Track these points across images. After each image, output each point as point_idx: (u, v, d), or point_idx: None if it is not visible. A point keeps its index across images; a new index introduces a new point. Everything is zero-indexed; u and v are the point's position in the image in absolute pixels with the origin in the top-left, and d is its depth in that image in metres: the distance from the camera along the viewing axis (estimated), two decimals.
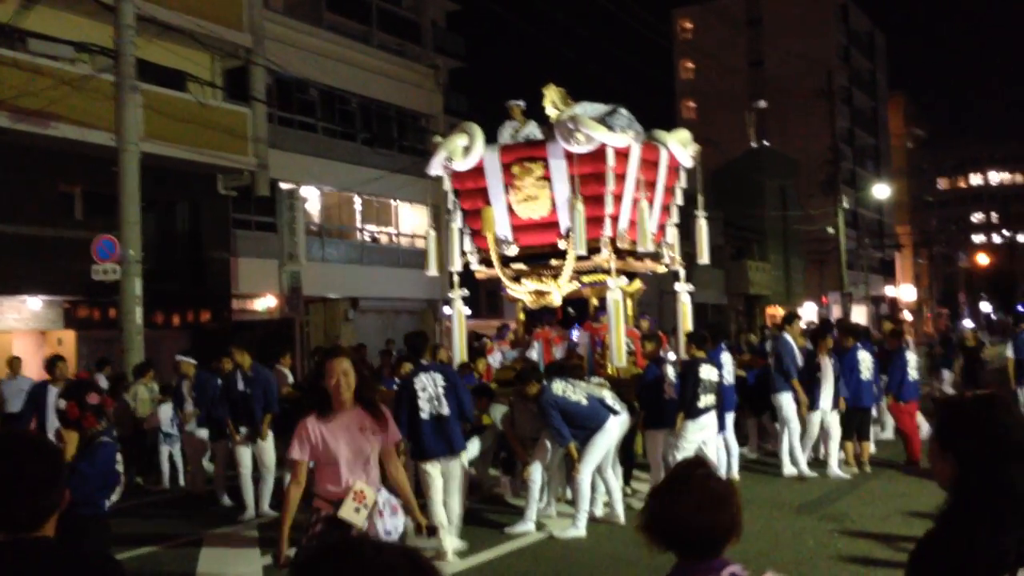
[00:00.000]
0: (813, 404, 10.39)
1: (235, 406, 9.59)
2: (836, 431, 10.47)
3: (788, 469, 10.46)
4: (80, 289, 15.82)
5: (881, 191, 51.77)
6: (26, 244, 16.01)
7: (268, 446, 9.63)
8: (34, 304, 16.83)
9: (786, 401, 10.51)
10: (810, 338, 11.25)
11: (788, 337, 10.79)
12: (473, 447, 9.48)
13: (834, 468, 10.39)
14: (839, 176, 39.97)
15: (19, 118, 15.20)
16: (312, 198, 23.90)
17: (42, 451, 2.14)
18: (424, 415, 7.40)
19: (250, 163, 19.92)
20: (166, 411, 11.88)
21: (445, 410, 7.47)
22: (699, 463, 2.23)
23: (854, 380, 10.80)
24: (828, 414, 10.41)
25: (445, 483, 7.51)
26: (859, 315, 45.53)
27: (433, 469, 7.43)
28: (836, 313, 41.65)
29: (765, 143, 55.24)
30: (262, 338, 17.43)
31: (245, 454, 9.60)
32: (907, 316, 48.42)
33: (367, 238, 26.14)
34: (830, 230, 40.17)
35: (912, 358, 11.43)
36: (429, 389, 7.50)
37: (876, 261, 63.17)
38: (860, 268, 52.37)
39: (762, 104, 60.92)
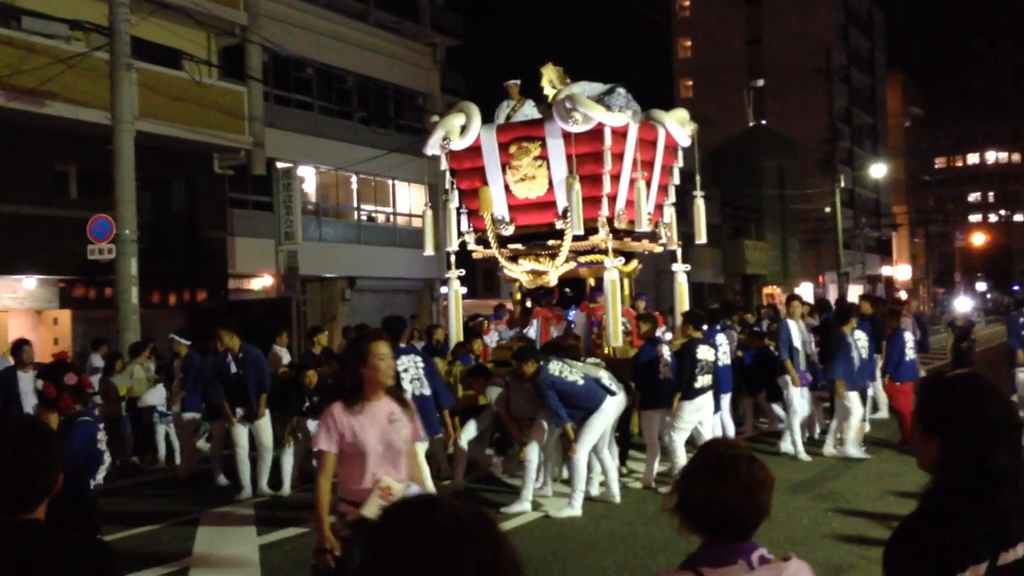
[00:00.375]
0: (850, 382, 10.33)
1: (230, 388, 9.58)
2: (858, 410, 10.44)
3: (786, 446, 10.55)
4: (76, 269, 15.79)
5: (878, 170, 51.78)
6: (21, 223, 15.96)
7: (265, 425, 9.64)
8: (30, 284, 16.79)
9: (789, 384, 10.49)
10: (835, 317, 11.46)
11: (789, 321, 10.69)
12: (470, 428, 9.52)
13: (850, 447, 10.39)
14: (836, 155, 39.94)
15: (13, 96, 15.12)
16: (309, 177, 23.83)
17: (40, 435, 2.16)
18: (407, 395, 7.45)
19: (246, 142, 19.84)
20: (162, 391, 11.91)
21: (427, 390, 7.73)
22: (731, 444, 2.23)
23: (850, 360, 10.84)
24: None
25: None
26: (856, 294, 45.58)
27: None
28: (832, 292, 41.74)
29: (763, 122, 55.12)
30: (259, 318, 17.45)
31: (242, 434, 9.62)
32: (903, 295, 48.43)
33: (364, 217, 26.10)
34: (827, 209, 40.18)
35: (909, 337, 11.44)
36: (411, 370, 7.68)
37: (873, 240, 63.19)
38: (857, 247, 52.41)
39: (760, 83, 60.77)
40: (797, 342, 10.48)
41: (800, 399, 10.44)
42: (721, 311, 13.61)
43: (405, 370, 7.64)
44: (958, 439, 2.05)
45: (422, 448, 7.66)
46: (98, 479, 4.66)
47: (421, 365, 7.77)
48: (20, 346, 9.98)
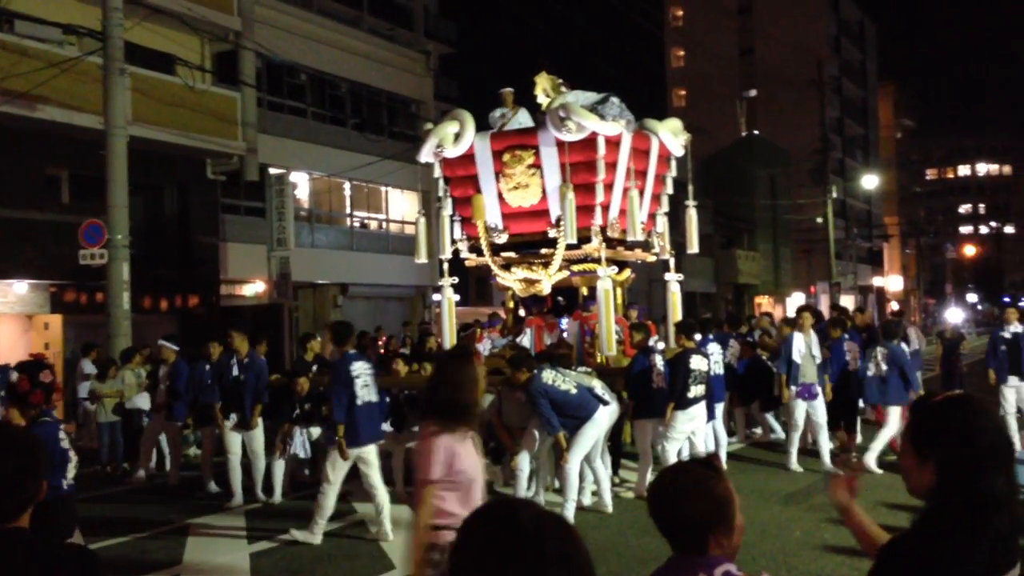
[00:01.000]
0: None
1: (226, 392, 9.55)
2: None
3: (794, 466, 10.37)
4: (67, 273, 15.73)
5: (870, 181, 51.96)
6: (13, 227, 15.89)
7: (258, 433, 9.62)
8: (20, 288, 16.71)
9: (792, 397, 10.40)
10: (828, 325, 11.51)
11: (795, 335, 10.48)
12: None
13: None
14: (828, 166, 40.08)
15: (6, 100, 15.06)
16: (301, 183, 23.80)
17: (20, 442, 2.13)
18: (359, 401, 7.68)
19: (239, 148, 19.80)
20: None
21: (375, 397, 7.86)
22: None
23: (841, 370, 10.87)
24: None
25: (370, 470, 7.79)
26: (847, 305, 45.67)
27: (368, 455, 7.75)
28: (824, 303, 41.81)
29: (755, 132, 55.29)
30: (251, 324, 17.39)
31: (235, 441, 9.58)
32: (894, 306, 48.58)
33: (357, 224, 26.07)
34: (819, 220, 40.29)
35: (904, 350, 11.47)
36: (363, 376, 7.79)
37: (864, 251, 63.37)
38: (848, 258, 52.58)
39: (752, 93, 60.99)
40: (797, 356, 10.29)
41: (800, 412, 10.33)
42: (728, 321, 13.72)
43: (358, 376, 7.74)
44: (951, 462, 2.03)
45: (372, 452, 7.86)
46: (69, 479, 4.64)
47: (370, 372, 7.92)
48: None
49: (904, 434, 2.21)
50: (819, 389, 10.36)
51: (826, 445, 10.40)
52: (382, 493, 7.82)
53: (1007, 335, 11.64)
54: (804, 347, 10.34)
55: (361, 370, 7.82)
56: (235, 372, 9.54)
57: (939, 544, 1.97)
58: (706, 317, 11.62)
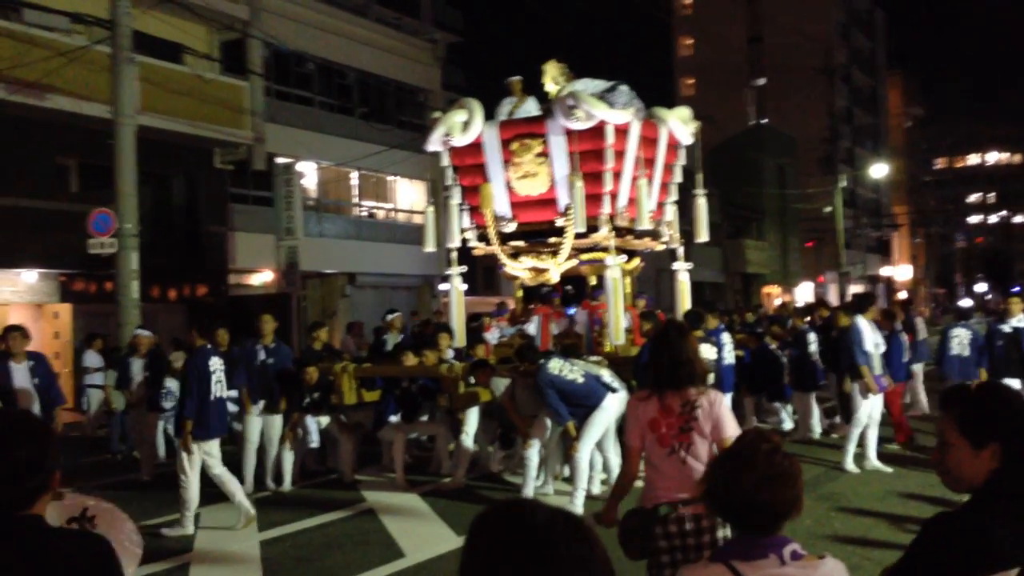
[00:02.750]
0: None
1: (251, 378, 9.55)
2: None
3: (850, 465, 9.66)
4: (76, 262, 15.76)
5: (879, 170, 51.72)
6: (22, 217, 15.92)
7: (278, 421, 9.64)
8: (30, 277, 16.75)
9: (856, 392, 9.66)
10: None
11: (860, 320, 9.67)
12: (472, 420, 9.49)
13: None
14: (837, 155, 39.95)
15: (14, 89, 15.07)
16: (309, 173, 23.79)
17: (30, 431, 2.12)
18: (212, 396, 7.93)
19: (247, 137, 19.80)
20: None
21: (225, 393, 8.16)
22: (763, 437, 2.19)
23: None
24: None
25: (214, 462, 7.99)
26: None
27: (213, 448, 7.97)
28: (833, 292, 41.74)
29: (764, 121, 55.09)
30: (258, 313, 17.40)
31: (255, 428, 9.59)
32: (903, 295, 48.43)
33: (364, 213, 26.06)
34: (827, 209, 40.17)
35: (904, 340, 11.44)
36: (218, 371, 8.06)
37: (873, 240, 63.19)
38: (857, 247, 52.43)
39: (761, 82, 60.74)
40: (869, 344, 9.53)
41: (866, 407, 9.50)
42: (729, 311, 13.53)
43: (214, 371, 8.01)
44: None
45: (215, 445, 8.06)
46: None
47: (222, 367, 8.20)
48: (7, 333, 8.60)
49: (947, 431, 2.16)
50: (885, 381, 9.72)
51: (874, 441, 9.79)
52: (228, 480, 8.04)
53: (1007, 328, 10.33)
54: (872, 335, 9.55)
55: (216, 366, 8.08)
56: (262, 357, 9.56)
57: (999, 519, 1.95)
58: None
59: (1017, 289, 50.47)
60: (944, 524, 2.06)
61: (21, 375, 8.43)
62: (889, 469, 9.49)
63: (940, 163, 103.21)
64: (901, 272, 68.76)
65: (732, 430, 3.83)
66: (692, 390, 3.88)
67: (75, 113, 15.80)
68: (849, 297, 33.04)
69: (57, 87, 15.43)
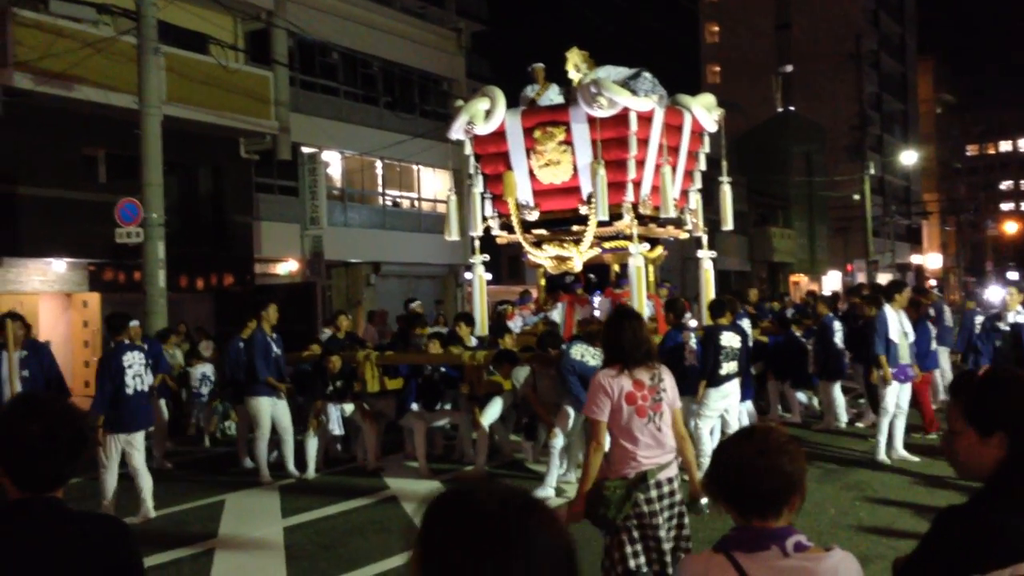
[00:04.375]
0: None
1: (270, 367, 9.59)
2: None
3: (882, 456, 9.43)
4: (105, 252, 15.92)
5: (908, 157, 51.18)
6: (51, 207, 16.09)
7: (285, 408, 9.68)
8: (59, 267, 16.95)
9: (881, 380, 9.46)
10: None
11: (887, 309, 9.42)
12: (493, 409, 9.50)
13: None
14: (866, 142, 39.52)
15: (42, 80, 15.22)
16: (334, 162, 23.87)
17: (71, 416, 2.18)
18: (129, 391, 8.02)
19: (272, 127, 19.89)
20: (195, 373, 12.16)
21: (145, 386, 8.25)
22: (763, 423, 2.22)
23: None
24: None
25: (136, 454, 8.08)
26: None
27: (135, 440, 8.08)
28: (861, 281, 41.36)
29: (791, 108, 54.59)
30: (284, 302, 17.51)
31: (286, 414, 9.65)
32: (932, 284, 47.91)
33: (389, 202, 26.12)
34: (856, 197, 39.79)
35: (931, 328, 11.30)
36: (135, 366, 8.14)
37: (903, 228, 62.53)
38: (886, 235, 51.89)
39: (788, 69, 60.16)
40: (895, 334, 9.29)
41: (892, 396, 9.35)
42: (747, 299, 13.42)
43: (129, 366, 8.13)
44: None
45: (140, 437, 8.19)
46: None
47: (142, 361, 8.30)
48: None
49: (955, 418, 2.13)
50: (913, 371, 9.47)
51: (901, 431, 9.58)
52: (144, 476, 8.09)
53: (1004, 326, 9.86)
54: (899, 325, 9.33)
55: (133, 360, 8.19)
56: (276, 350, 9.58)
57: (1013, 511, 1.92)
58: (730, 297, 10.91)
59: (1015, 277, 49.15)
60: (956, 515, 2.03)
61: (7, 365, 8.04)
62: (916, 459, 9.38)
63: (972, 150, 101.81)
64: (931, 260, 68.04)
65: (679, 401, 4.44)
66: (654, 364, 4.32)
67: (102, 104, 15.93)
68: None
69: (84, 78, 15.57)
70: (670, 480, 4.21)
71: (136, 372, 8.18)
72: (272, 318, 9.67)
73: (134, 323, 10.35)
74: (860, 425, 11.69)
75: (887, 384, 9.28)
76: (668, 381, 4.35)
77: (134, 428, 8.11)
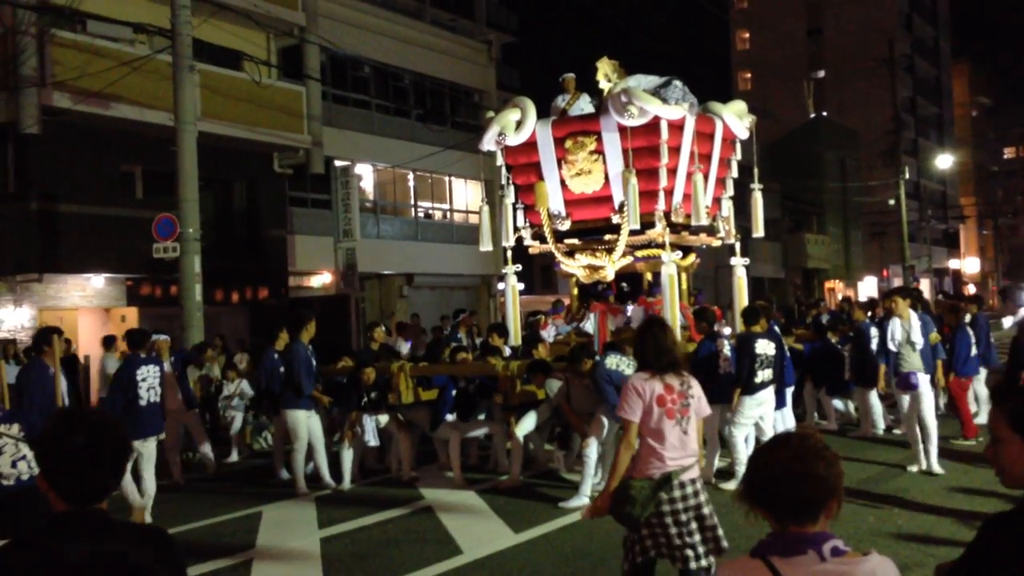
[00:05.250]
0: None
1: (310, 380, 9.65)
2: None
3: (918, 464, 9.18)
4: (142, 267, 16.16)
5: (944, 161, 50.60)
6: (90, 223, 16.37)
7: (317, 420, 9.77)
8: (98, 282, 17.21)
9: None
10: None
11: (893, 319, 9.17)
12: (528, 421, 9.51)
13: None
14: (901, 146, 39.12)
15: (80, 99, 15.50)
16: (367, 175, 24.04)
17: (113, 429, 2.22)
18: (142, 402, 8.38)
19: (305, 141, 20.09)
20: (230, 388, 12.28)
21: (157, 398, 8.59)
22: (798, 430, 2.21)
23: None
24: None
25: (146, 462, 8.41)
26: (922, 289, 44.59)
27: (146, 448, 8.44)
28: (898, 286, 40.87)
29: (823, 114, 54.19)
30: (319, 315, 17.63)
31: (314, 425, 9.72)
32: (971, 289, 47.26)
33: (421, 214, 26.25)
34: (891, 202, 39.39)
35: (971, 333, 11.13)
36: (149, 379, 8.49)
37: (939, 233, 61.74)
38: (922, 240, 51.27)
39: (821, 74, 59.74)
40: (892, 343, 9.10)
41: (901, 404, 9.22)
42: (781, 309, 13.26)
43: (143, 379, 8.45)
44: None
45: (151, 445, 8.49)
46: (7, 476, 4.78)
47: (158, 375, 8.68)
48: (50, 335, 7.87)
49: (1000, 421, 2.11)
50: (920, 379, 8.98)
51: (935, 447, 9.08)
52: (150, 483, 8.41)
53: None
54: (901, 333, 9.08)
55: (147, 374, 8.52)
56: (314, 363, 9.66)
57: None
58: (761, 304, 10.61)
59: None
60: (1004, 522, 2.00)
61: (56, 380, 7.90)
62: (941, 471, 9.01)
63: (1009, 152, 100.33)
64: (969, 265, 67.10)
65: (708, 408, 4.64)
66: (683, 372, 4.55)
67: (138, 121, 16.20)
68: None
69: (121, 96, 15.83)
70: (693, 481, 4.43)
71: (150, 385, 8.51)
72: (312, 332, 9.74)
73: (163, 337, 10.49)
74: (897, 432, 11.53)
75: (893, 391, 9.34)
76: (696, 389, 4.54)
77: (144, 435, 8.38)
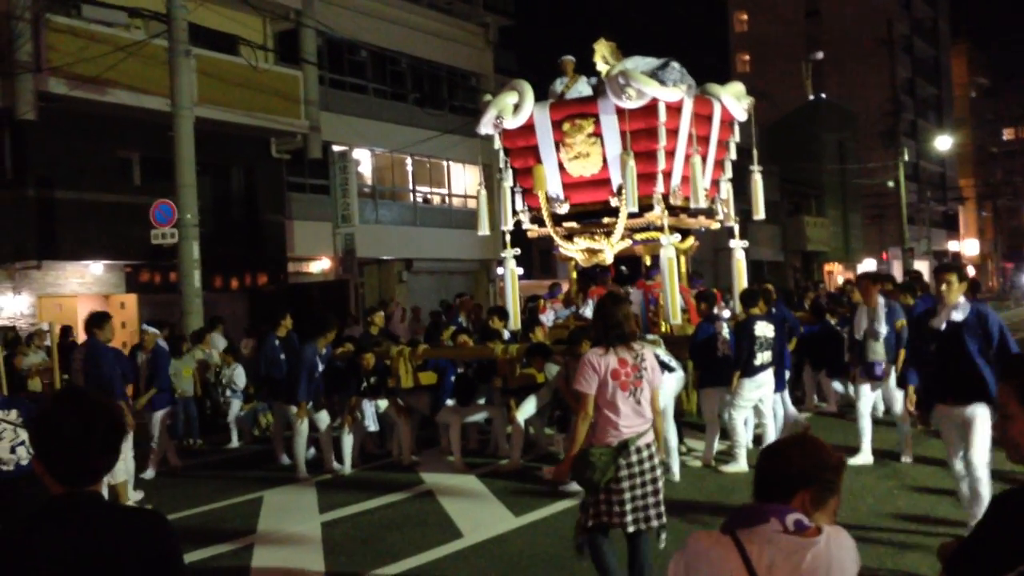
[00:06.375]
0: None
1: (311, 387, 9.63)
2: None
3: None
4: (141, 253, 16.14)
5: (943, 143, 50.49)
6: (87, 210, 16.33)
7: (323, 411, 9.78)
8: (97, 269, 17.20)
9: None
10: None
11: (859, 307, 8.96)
12: (529, 405, 9.51)
13: None
14: (899, 128, 39.03)
15: (76, 85, 15.44)
16: (364, 160, 23.98)
17: (106, 410, 2.20)
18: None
19: (302, 126, 20.03)
20: (228, 373, 12.26)
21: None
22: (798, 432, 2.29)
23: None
24: None
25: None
26: (921, 271, 44.57)
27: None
28: (897, 268, 40.90)
29: (822, 95, 54.03)
30: (317, 300, 17.65)
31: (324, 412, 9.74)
32: (971, 271, 47.25)
33: (419, 199, 26.21)
34: (890, 184, 39.35)
35: None
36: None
37: (938, 215, 61.70)
38: (922, 222, 51.27)
39: (819, 56, 59.53)
40: (858, 331, 8.75)
41: (865, 395, 8.96)
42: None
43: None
44: None
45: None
46: (6, 462, 4.79)
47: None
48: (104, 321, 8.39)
49: (1009, 397, 2.09)
50: (884, 369, 8.68)
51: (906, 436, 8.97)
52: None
53: None
54: (866, 321, 8.72)
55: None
56: (320, 366, 9.64)
57: None
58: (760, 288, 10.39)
59: None
60: (1012, 500, 2.00)
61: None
62: (909, 460, 8.74)
63: (1008, 134, 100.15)
64: (968, 247, 67.08)
65: (660, 379, 4.99)
66: (635, 345, 4.82)
67: (135, 107, 16.13)
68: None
69: (117, 81, 15.76)
70: (648, 446, 4.79)
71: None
72: (330, 339, 9.71)
73: (152, 330, 10.38)
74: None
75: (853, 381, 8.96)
76: (649, 361, 4.84)
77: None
